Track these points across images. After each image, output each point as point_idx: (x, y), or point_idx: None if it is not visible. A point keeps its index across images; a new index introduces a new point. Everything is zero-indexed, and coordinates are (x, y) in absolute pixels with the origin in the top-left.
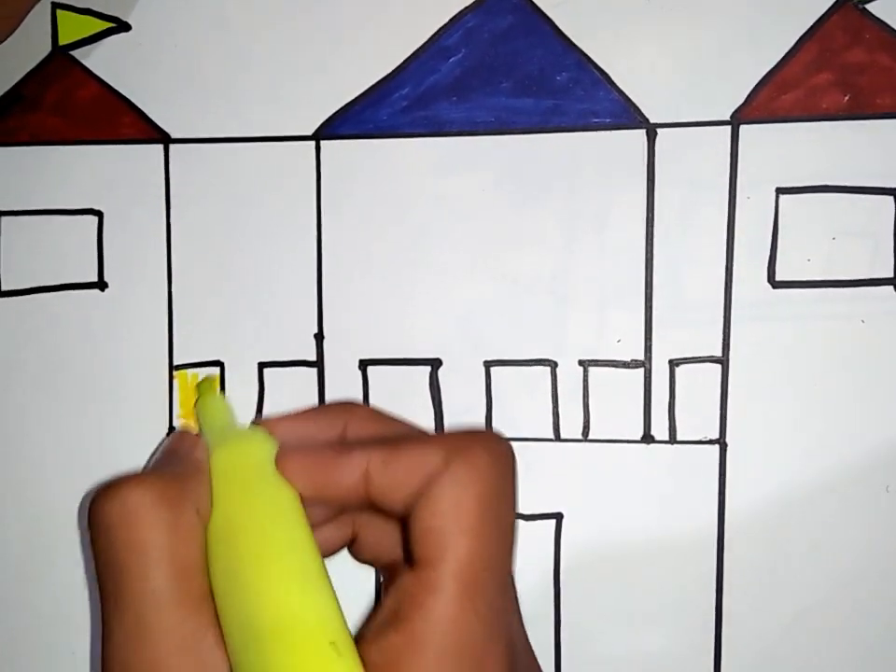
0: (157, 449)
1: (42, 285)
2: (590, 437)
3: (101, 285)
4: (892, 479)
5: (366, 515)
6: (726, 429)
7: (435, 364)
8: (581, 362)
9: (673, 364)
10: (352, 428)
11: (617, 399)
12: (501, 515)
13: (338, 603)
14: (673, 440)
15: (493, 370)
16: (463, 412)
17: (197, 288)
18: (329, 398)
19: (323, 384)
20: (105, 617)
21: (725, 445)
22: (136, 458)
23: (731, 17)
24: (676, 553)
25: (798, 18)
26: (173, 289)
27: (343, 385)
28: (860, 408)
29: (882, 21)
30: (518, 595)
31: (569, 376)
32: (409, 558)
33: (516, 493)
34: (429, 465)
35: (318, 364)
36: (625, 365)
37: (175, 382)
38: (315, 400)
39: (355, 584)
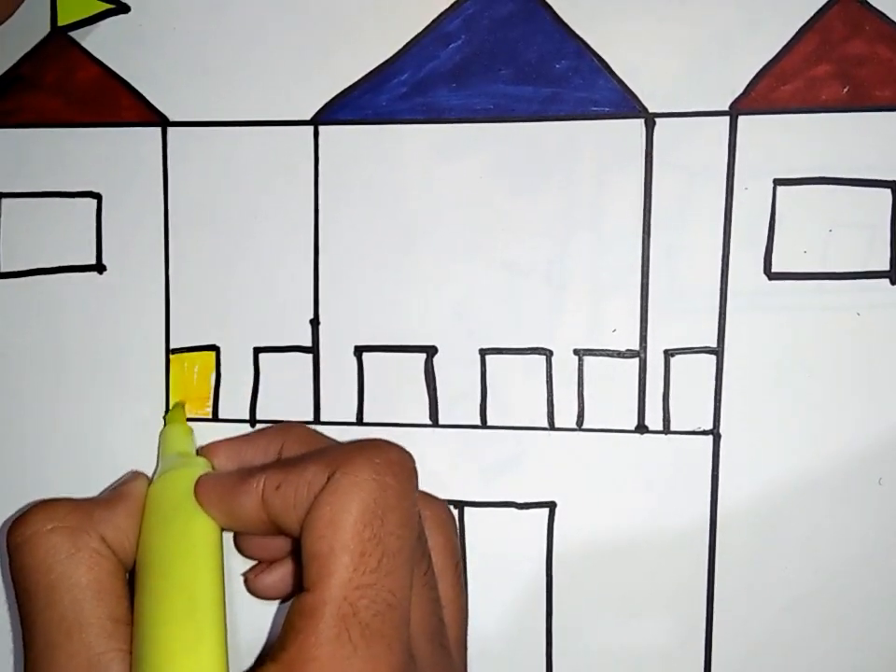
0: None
1: (40, 267)
2: (584, 426)
3: (99, 267)
4: (886, 471)
5: None
6: (720, 420)
7: (430, 351)
8: (576, 351)
9: (668, 354)
10: (286, 450)
11: (611, 389)
12: (387, 529)
13: (223, 640)
14: (667, 430)
15: (488, 357)
16: (458, 399)
17: (194, 272)
18: (324, 384)
19: (318, 369)
20: (23, 641)
21: (719, 436)
22: (132, 440)
23: (731, 7)
24: (668, 542)
25: (798, 9)
26: (170, 273)
27: (338, 372)
28: (854, 400)
29: (882, 14)
30: (439, 614)
31: (564, 365)
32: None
33: (409, 508)
34: (314, 483)
35: (314, 350)
36: (620, 355)
37: (172, 366)
38: (310, 386)
39: None
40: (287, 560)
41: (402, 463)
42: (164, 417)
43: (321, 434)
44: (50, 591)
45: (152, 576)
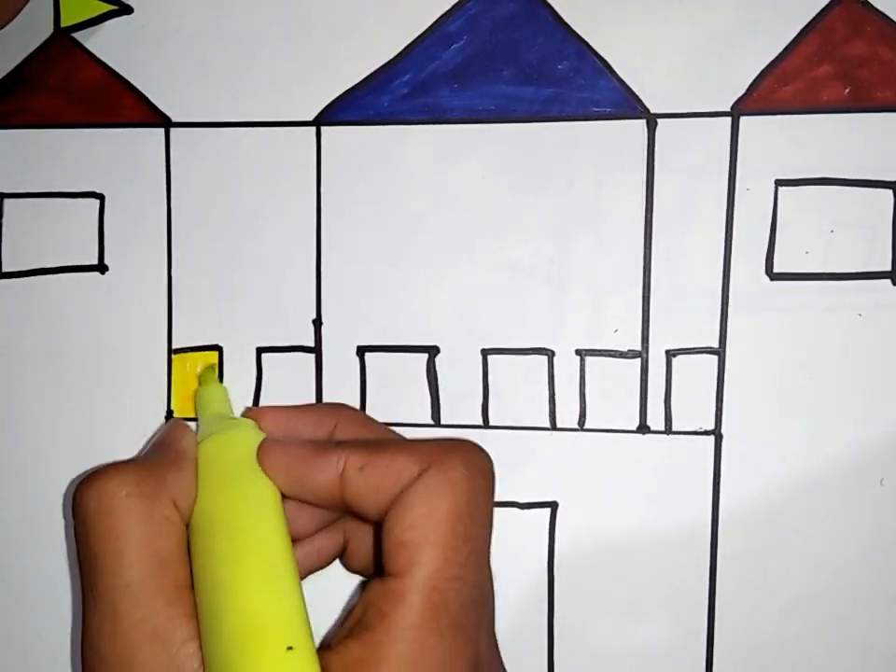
0: (152, 437)
1: (43, 267)
2: (586, 426)
3: (101, 268)
4: (887, 472)
5: (356, 524)
6: (722, 420)
7: (432, 351)
8: (577, 352)
9: (670, 354)
10: (340, 430)
11: (613, 389)
12: (474, 530)
13: (303, 605)
14: (669, 430)
15: (490, 358)
16: (460, 399)
17: (196, 272)
18: (326, 384)
19: (321, 369)
20: (84, 606)
21: (721, 436)
22: (134, 440)
23: (732, 8)
24: (670, 543)
25: (800, 10)
26: (172, 273)
27: (340, 372)
28: (856, 401)
29: (883, 14)
30: (493, 614)
31: (566, 365)
32: (379, 568)
33: (491, 509)
34: (404, 473)
35: (316, 350)
36: (622, 355)
37: (174, 365)
38: (312, 386)
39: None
40: (314, 538)
41: (489, 468)
42: (198, 377)
43: (374, 420)
44: (119, 557)
45: (219, 539)
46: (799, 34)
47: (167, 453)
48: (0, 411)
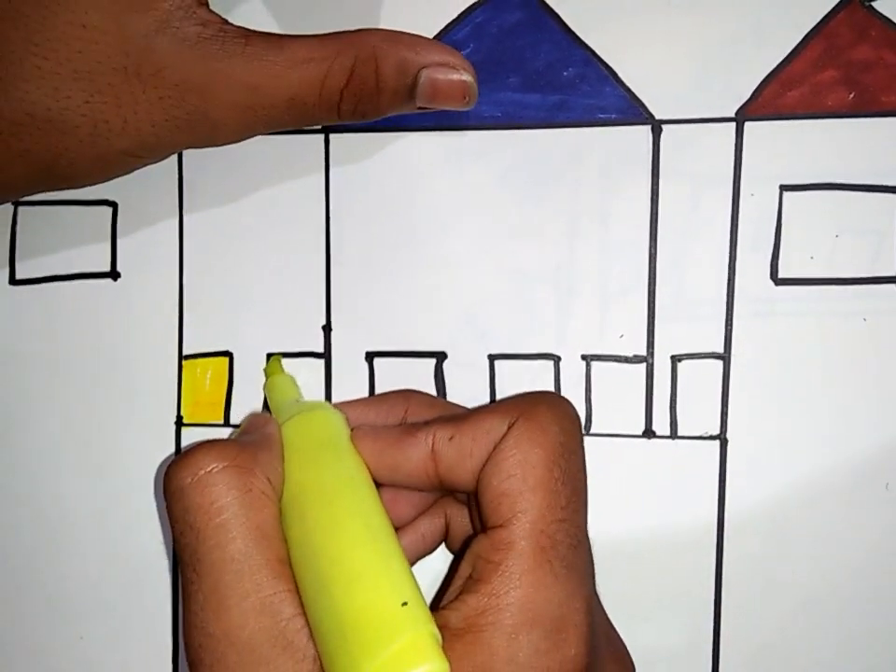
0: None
1: (56, 274)
2: (591, 431)
3: (114, 274)
4: (893, 476)
5: (455, 505)
6: (727, 425)
7: (440, 357)
8: (583, 357)
9: (675, 360)
10: (412, 414)
11: (619, 394)
12: (571, 471)
13: (409, 566)
14: (674, 435)
15: (497, 363)
16: (467, 404)
17: (207, 279)
18: (335, 389)
19: (330, 375)
20: (184, 583)
21: (726, 441)
22: (145, 446)
23: (737, 13)
24: (675, 547)
25: (804, 15)
26: (184, 280)
27: (349, 377)
28: (861, 405)
29: (888, 19)
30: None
31: (572, 370)
32: (482, 526)
33: (583, 453)
34: (493, 431)
35: (326, 355)
36: (627, 360)
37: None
38: (322, 391)
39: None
40: (417, 524)
41: (575, 413)
42: (264, 370)
43: (442, 400)
44: (221, 531)
45: (317, 511)
46: (803, 39)
47: (254, 435)
48: (12, 416)
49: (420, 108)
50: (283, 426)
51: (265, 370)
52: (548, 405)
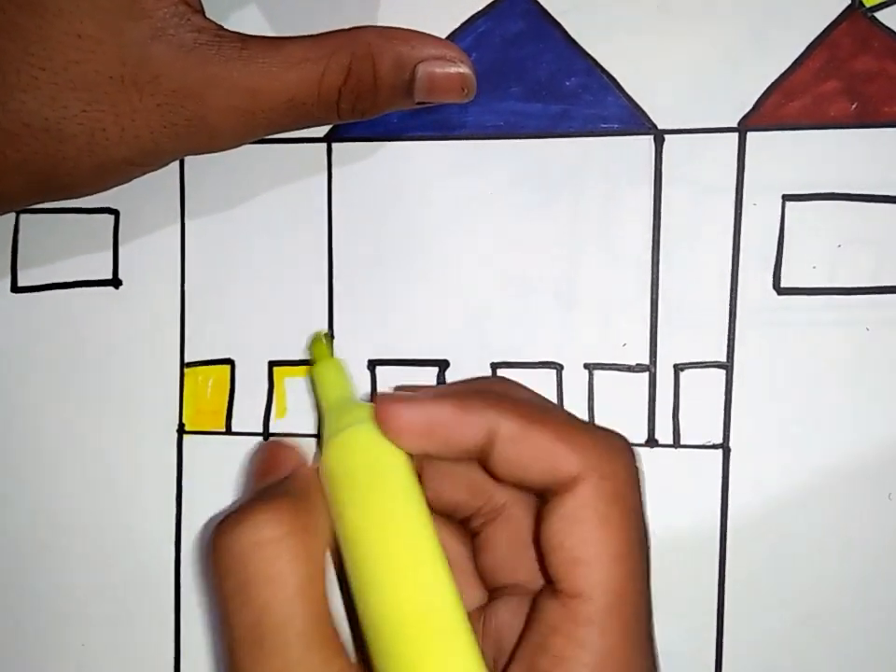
0: (250, 461)
1: (57, 281)
2: None
3: (115, 282)
4: (895, 487)
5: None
6: (730, 434)
7: (442, 365)
8: (586, 365)
9: (678, 369)
10: (501, 441)
11: (622, 403)
12: (642, 533)
13: (463, 613)
14: (677, 444)
15: (500, 371)
16: None
17: (209, 287)
18: None
19: None
20: (237, 663)
21: (729, 450)
22: (146, 454)
23: (739, 24)
24: (678, 557)
25: (806, 25)
26: (185, 288)
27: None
28: (863, 416)
29: (891, 30)
30: None
31: (575, 379)
32: (547, 578)
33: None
34: (562, 469)
35: None
36: (630, 369)
37: (186, 379)
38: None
39: None
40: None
41: (638, 463)
42: (309, 349)
43: (537, 409)
44: (288, 604)
45: (368, 551)
46: (806, 49)
47: (294, 483)
48: (14, 424)
49: (419, 104)
50: (325, 446)
51: (309, 350)
52: (623, 462)
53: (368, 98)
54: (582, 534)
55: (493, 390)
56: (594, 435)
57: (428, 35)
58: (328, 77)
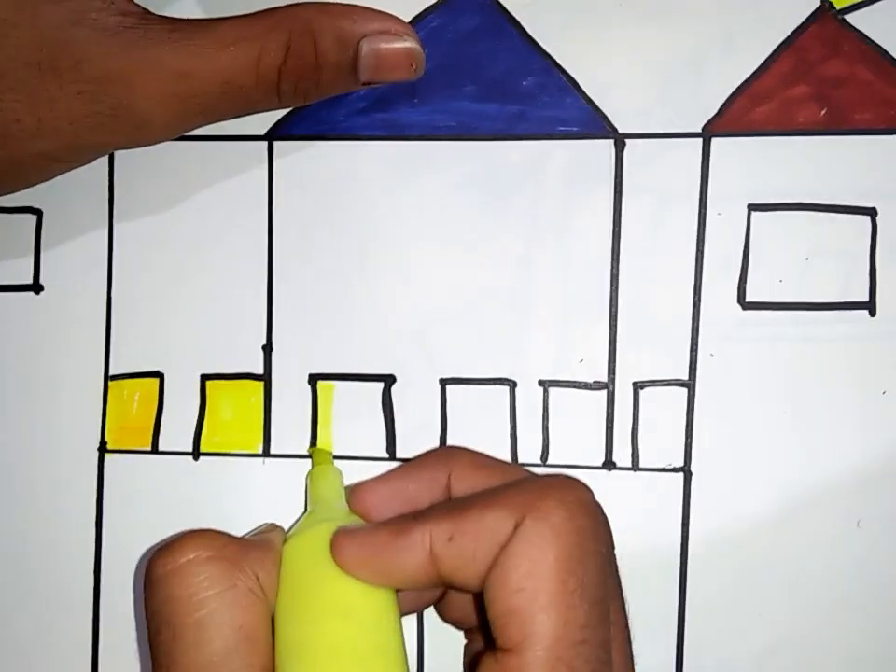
0: None
1: None
2: (549, 461)
3: (36, 287)
4: (865, 513)
5: None
6: (691, 457)
7: (388, 380)
8: (541, 382)
9: (637, 386)
10: (455, 479)
11: (578, 423)
12: (589, 578)
13: None
14: (636, 466)
15: (449, 388)
16: (417, 431)
17: (138, 294)
18: (275, 414)
19: (269, 399)
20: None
21: (690, 474)
22: (65, 472)
23: (705, 25)
24: (637, 585)
25: (774, 27)
26: (112, 294)
27: (291, 401)
28: (832, 437)
29: (861, 33)
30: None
31: (529, 397)
32: (488, 638)
33: (605, 548)
34: (497, 532)
35: (265, 377)
36: (587, 386)
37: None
38: (260, 417)
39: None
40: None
41: (593, 501)
42: (309, 451)
43: (490, 457)
44: (200, 629)
45: (308, 629)
46: (773, 52)
47: (251, 538)
48: None
49: (365, 83)
50: (288, 537)
51: (311, 454)
52: (559, 499)
53: (310, 78)
54: (515, 582)
55: (436, 477)
56: (532, 483)
57: (371, 9)
58: (265, 57)
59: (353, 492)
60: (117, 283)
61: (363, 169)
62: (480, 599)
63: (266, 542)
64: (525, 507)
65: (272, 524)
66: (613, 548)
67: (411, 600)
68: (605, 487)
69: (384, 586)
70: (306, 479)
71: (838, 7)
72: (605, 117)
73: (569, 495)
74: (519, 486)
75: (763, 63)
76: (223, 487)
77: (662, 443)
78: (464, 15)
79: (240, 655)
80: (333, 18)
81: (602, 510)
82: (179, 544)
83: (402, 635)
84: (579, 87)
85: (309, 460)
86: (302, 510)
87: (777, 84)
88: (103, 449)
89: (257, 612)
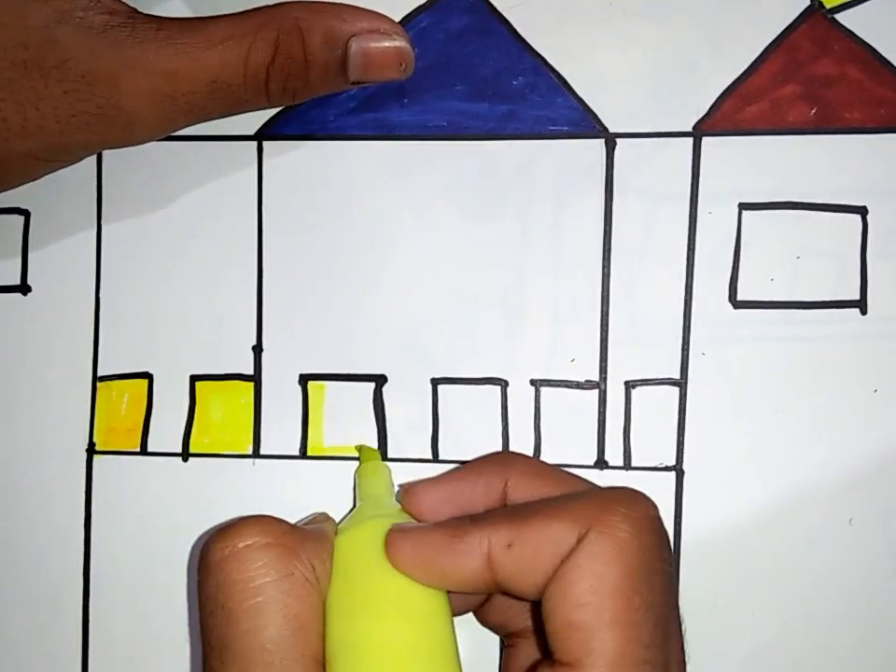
0: None
1: None
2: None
3: (24, 288)
4: (857, 511)
5: None
6: (683, 456)
7: (379, 380)
8: (532, 382)
9: (629, 386)
10: (513, 487)
11: (570, 422)
12: (653, 597)
13: None
14: (628, 465)
15: (440, 388)
16: (408, 431)
17: (126, 294)
18: (266, 415)
19: (260, 399)
20: (209, 663)
21: (682, 472)
22: (53, 474)
23: (695, 24)
24: None
25: (764, 27)
26: (100, 295)
27: (281, 402)
28: (823, 435)
29: (852, 32)
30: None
31: (520, 396)
32: (545, 649)
33: (669, 566)
34: (560, 543)
35: (255, 378)
36: (579, 386)
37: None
38: (251, 418)
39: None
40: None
41: (658, 517)
42: (356, 447)
43: (548, 465)
44: (255, 615)
45: (361, 624)
46: (763, 52)
47: (307, 527)
48: None
49: (354, 83)
50: (337, 536)
51: (358, 451)
52: (624, 514)
53: (299, 77)
54: (578, 597)
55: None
56: (591, 495)
57: (360, 8)
58: (254, 56)
59: (406, 491)
60: (105, 283)
61: (353, 169)
62: (536, 608)
63: (321, 533)
64: (590, 519)
65: (324, 513)
66: (674, 566)
67: (457, 603)
68: None
69: (436, 587)
70: (355, 475)
71: (828, 6)
72: (595, 116)
73: (635, 510)
74: (583, 498)
75: (754, 63)
76: (213, 489)
77: (654, 442)
78: (454, 14)
79: (293, 644)
80: (322, 17)
81: (664, 526)
82: (238, 529)
83: (456, 637)
84: (569, 86)
85: (300, 462)
86: (290, 512)
87: (768, 83)
88: (91, 450)
89: (311, 602)
